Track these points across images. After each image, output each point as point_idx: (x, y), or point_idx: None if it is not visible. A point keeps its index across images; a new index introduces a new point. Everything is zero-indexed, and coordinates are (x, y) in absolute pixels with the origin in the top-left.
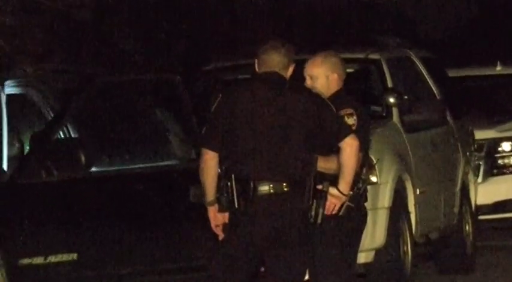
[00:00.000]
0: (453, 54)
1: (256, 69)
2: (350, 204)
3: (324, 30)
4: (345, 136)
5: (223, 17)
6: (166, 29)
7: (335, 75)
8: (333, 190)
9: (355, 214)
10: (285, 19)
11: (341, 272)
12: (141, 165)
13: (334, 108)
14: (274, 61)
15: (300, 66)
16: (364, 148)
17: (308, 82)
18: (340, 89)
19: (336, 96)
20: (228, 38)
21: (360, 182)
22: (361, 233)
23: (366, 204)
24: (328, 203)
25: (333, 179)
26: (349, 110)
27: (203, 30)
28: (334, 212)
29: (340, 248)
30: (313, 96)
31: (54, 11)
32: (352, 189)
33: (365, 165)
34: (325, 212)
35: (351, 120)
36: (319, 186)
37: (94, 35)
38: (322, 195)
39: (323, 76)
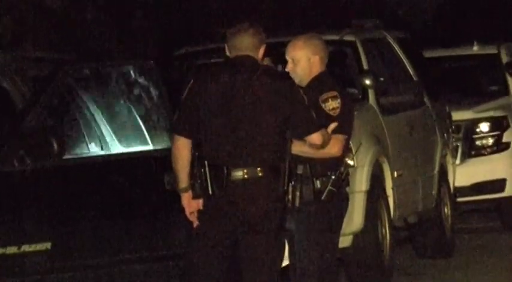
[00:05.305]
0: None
1: (227, 53)
2: (332, 188)
3: (300, 14)
4: (312, 131)
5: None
6: (140, 14)
7: (317, 58)
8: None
9: (336, 199)
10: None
11: (323, 257)
12: (115, 153)
13: (306, 99)
14: (244, 43)
15: (281, 49)
16: (348, 132)
17: (290, 65)
18: (324, 71)
19: (319, 79)
20: (200, 23)
21: (342, 167)
22: (343, 217)
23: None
24: None
25: (309, 162)
26: (333, 93)
27: (176, 15)
28: None
29: (322, 233)
30: (287, 82)
31: None
32: (334, 173)
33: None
34: None
35: (335, 103)
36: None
37: (65, 21)
38: (298, 179)
39: (305, 58)
